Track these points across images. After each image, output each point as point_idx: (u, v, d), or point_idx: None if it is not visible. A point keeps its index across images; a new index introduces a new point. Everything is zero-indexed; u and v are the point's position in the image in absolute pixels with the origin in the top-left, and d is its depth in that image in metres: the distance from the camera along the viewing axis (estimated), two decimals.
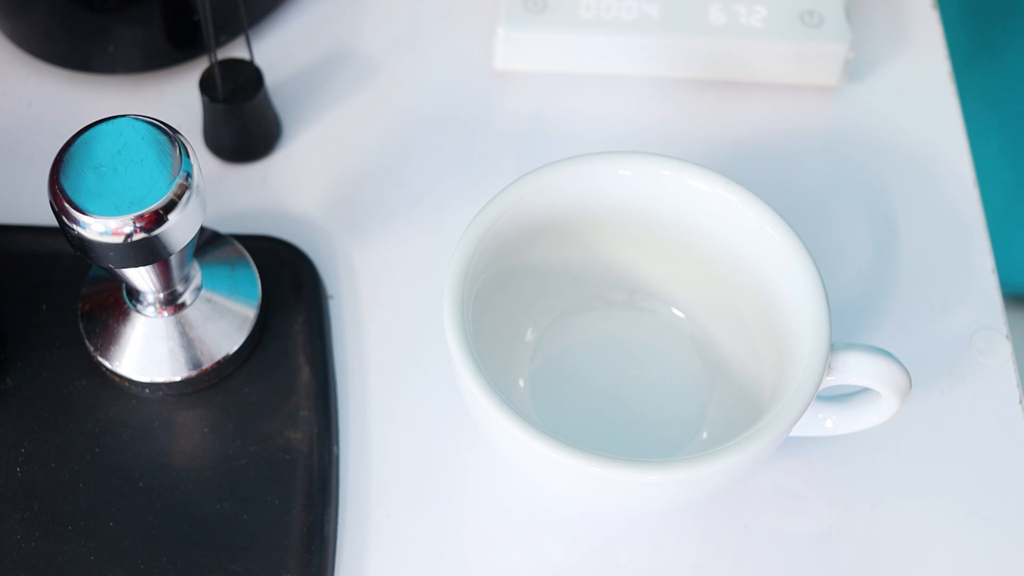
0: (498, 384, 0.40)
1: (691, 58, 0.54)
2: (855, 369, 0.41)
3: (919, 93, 0.56)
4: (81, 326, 0.46)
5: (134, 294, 0.45)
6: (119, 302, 0.46)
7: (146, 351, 0.45)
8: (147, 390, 0.46)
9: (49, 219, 0.44)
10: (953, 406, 0.48)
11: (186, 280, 0.45)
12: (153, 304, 0.45)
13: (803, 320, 0.41)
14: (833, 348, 0.41)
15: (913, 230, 0.52)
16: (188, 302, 0.46)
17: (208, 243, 0.48)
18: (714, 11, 0.53)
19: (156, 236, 0.39)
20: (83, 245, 0.39)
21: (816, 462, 0.47)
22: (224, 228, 0.49)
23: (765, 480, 0.46)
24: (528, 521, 0.45)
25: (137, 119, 0.40)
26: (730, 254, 0.44)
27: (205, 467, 0.45)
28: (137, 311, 0.46)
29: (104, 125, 0.40)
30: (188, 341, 0.45)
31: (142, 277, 0.42)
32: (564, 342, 0.47)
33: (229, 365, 0.46)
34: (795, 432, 0.44)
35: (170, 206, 0.39)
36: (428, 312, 0.49)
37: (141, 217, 0.39)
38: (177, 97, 0.55)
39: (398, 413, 0.47)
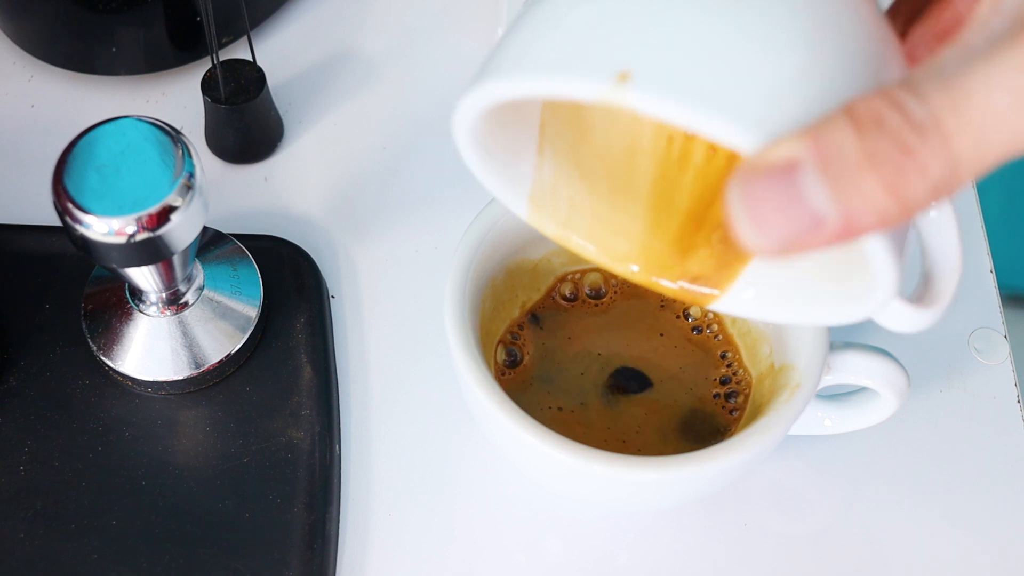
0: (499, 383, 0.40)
1: None
2: (854, 368, 0.41)
3: None
4: (84, 325, 0.46)
5: (137, 294, 0.46)
6: (122, 302, 0.46)
7: (149, 350, 0.45)
8: (150, 389, 0.46)
9: (52, 219, 0.45)
10: (951, 405, 0.48)
11: (188, 280, 0.45)
12: (156, 303, 0.45)
13: None
14: (832, 347, 0.41)
15: None
16: (190, 302, 0.46)
17: (210, 243, 0.48)
18: None
19: (159, 236, 0.39)
20: (86, 245, 0.40)
21: (815, 461, 0.47)
22: (226, 228, 0.49)
23: (764, 479, 0.46)
24: (528, 520, 0.45)
25: (140, 120, 0.41)
26: None
27: (207, 466, 0.45)
28: (140, 310, 0.46)
29: (107, 126, 0.40)
30: (190, 340, 0.46)
31: (145, 277, 0.43)
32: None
33: (231, 364, 0.46)
34: (794, 431, 0.44)
35: (173, 206, 0.39)
36: (429, 311, 0.49)
37: (144, 217, 0.39)
38: (179, 98, 0.55)
39: (400, 412, 0.47)
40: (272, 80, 0.54)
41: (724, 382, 0.45)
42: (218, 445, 0.45)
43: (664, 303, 0.47)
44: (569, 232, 0.38)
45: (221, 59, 0.51)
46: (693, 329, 0.46)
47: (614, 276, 0.47)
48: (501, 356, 0.45)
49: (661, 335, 0.46)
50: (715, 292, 0.37)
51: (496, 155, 0.36)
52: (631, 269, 0.38)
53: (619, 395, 0.45)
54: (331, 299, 0.50)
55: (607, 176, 0.38)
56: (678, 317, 0.47)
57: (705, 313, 0.47)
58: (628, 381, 0.45)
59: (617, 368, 0.45)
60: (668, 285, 0.37)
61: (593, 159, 0.38)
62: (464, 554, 0.45)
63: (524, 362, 0.45)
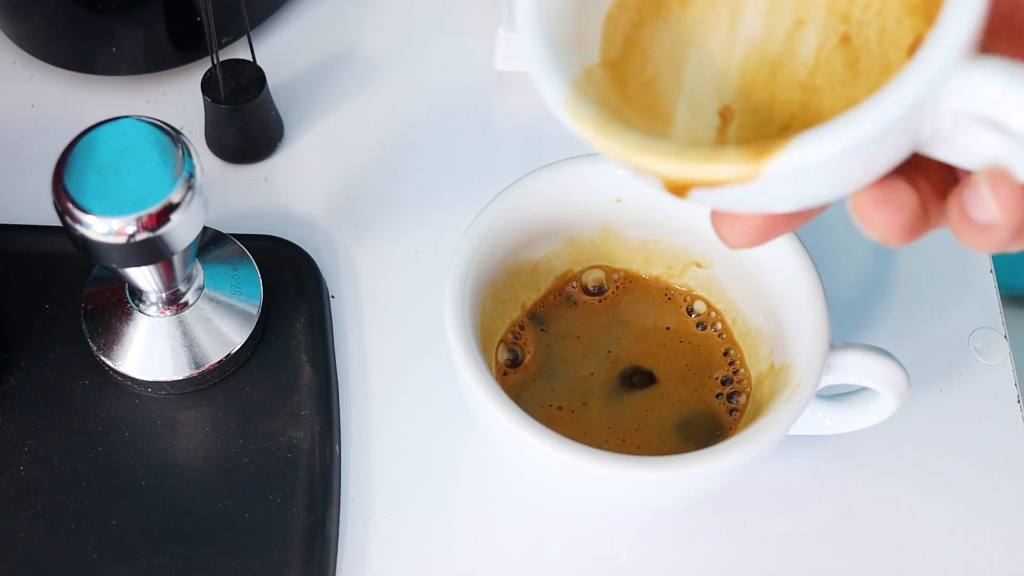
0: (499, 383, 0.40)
1: None
2: (854, 368, 0.41)
3: None
4: (84, 325, 0.46)
5: (137, 294, 0.46)
6: (122, 301, 0.46)
7: (149, 350, 0.45)
8: (150, 389, 0.46)
9: (52, 219, 0.45)
10: (951, 406, 0.48)
11: (188, 280, 0.45)
12: (156, 303, 0.45)
13: (802, 319, 0.42)
14: (832, 347, 0.41)
15: None
16: (190, 301, 0.46)
17: (210, 243, 0.48)
18: None
19: (159, 236, 0.39)
20: (86, 245, 0.40)
21: (815, 461, 0.47)
22: (226, 228, 0.49)
23: (764, 478, 0.46)
24: (528, 520, 0.45)
25: (140, 120, 0.41)
26: (729, 254, 0.45)
27: (207, 466, 0.45)
28: (140, 310, 0.46)
29: (107, 126, 0.40)
30: (190, 340, 0.46)
31: (145, 277, 0.43)
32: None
33: (231, 364, 0.46)
34: (794, 431, 0.44)
35: (173, 206, 0.39)
36: (429, 311, 0.49)
37: (144, 217, 0.39)
38: (179, 98, 0.55)
39: (400, 412, 0.47)
40: (272, 80, 0.54)
41: (726, 382, 0.45)
42: (218, 445, 0.45)
43: (670, 294, 0.47)
44: (612, 117, 0.32)
45: (221, 59, 0.51)
46: (697, 325, 0.47)
47: (615, 271, 0.47)
48: (503, 355, 0.45)
49: (667, 328, 0.46)
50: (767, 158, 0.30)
51: (553, 20, 0.32)
52: (674, 153, 0.30)
53: (624, 392, 0.45)
54: (331, 299, 0.50)
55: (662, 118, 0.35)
56: (686, 310, 0.47)
57: (709, 311, 0.47)
58: (636, 376, 0.45)
59: (627, 367, 0.46)
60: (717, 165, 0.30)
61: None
62: (464, 554, 0.45)
63: (526, 361, 0.45)
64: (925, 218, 0.31)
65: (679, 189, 0.31)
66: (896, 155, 0.30)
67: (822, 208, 0.33)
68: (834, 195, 0.31)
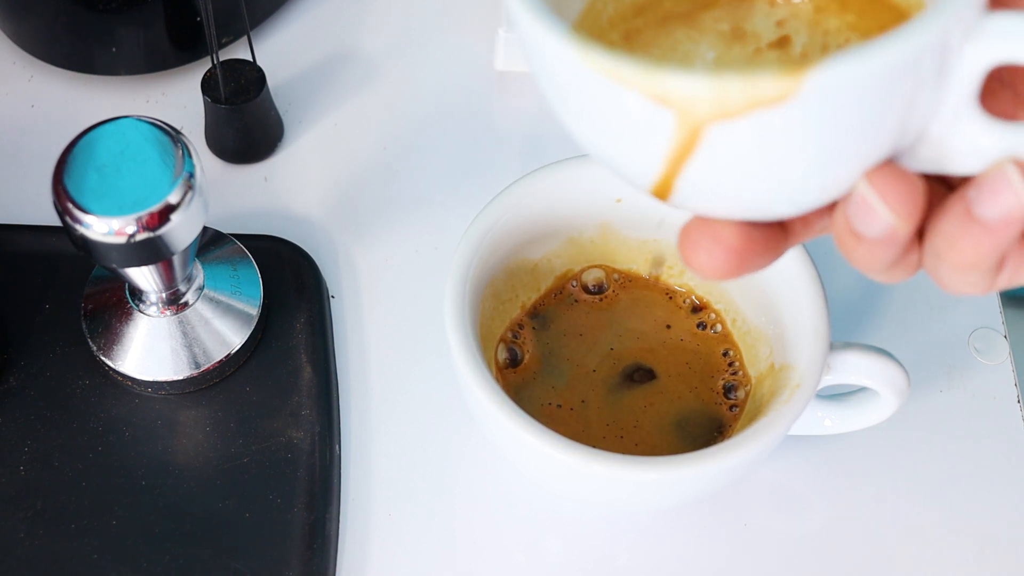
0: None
1: None
2: (854, 368, 0.41)
3: None
4: (84, 325, 0.46)
5: (137, 294, 0.46)
6: (122, 301, 0.46)
7: (149, 350, 0.45)
8: (150, 389, 0.46)
9: (52, 219, 0.45)
10: (951, 405, 0.48)
11: (188, 280, 0.45)
12: (156, 303, 0.45)
13: (802, 319, 0.42)
14: (832, 347, 0.41)
15: None
16: (190, 301, 0.46)
17: (210, 243, 0.48)
18: None
19: (159, 236, 0.39)
20: (86, 245, 0.40)
21: (815, 461, 0.47)
22: (226, 228, 0.49)
23: (764, 478, 0.46)
24: (528, 520, 0.45)
25: (140, 120, 0.41)
26: None
27: (207, 466, 0.45)
28: (140, 310, 0.46)
29: (107, 126, 0.40)
30: (190, 340, 0.46)
31: (145, 277, 0.43)
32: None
33: (231, 364, 0.46)
34: (794, 431, 0.44)
35: (173, 206, 0.39)
36: (429, 312, 0.49)
37: (144, 217, 0.39)
38: (179, 98, 0.55)
39: (400, 412, 0.47)
40: (272, 80, 0.54)
41: (725, 382, 0.45)
42: (218, 445, 0.45)
43: (670, 294, 0.47)
44: (626, 52, 0.29)
45: (221, 59, 0.51)
46: (698, 325, 0.47)
47: (615, 271, 0.47)
48: (502, 355, 0.45)
49: (668, 327, 0.46)
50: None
51: None
52: (704, 72, 0.27)
53: (624, 389, 0.45)
54: (331, 299, 0.50)
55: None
56: (687, 309, 0.47)
57: (709, 311, 0.47)
58: (637, 373, 0.45)
59: (629, 364, 0.46)
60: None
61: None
62: (464, 554, 0.45)
63: (525, 360, 0.46)
64: (915, 242, 0.30)
65: (693, 133, 0.27)
66: (908, 117, 0.28)
67: (796, 242, 0.32)
68: (855, 153, 0.28)
